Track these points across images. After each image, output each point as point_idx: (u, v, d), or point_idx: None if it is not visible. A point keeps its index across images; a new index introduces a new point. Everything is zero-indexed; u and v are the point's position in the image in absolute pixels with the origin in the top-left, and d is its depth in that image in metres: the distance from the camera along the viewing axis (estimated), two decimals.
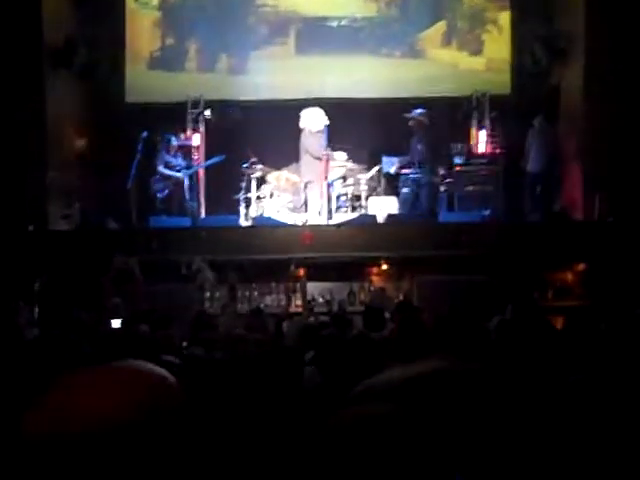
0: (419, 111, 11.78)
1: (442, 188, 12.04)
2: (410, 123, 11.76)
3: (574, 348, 4.77)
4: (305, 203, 11.39)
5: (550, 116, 12.64)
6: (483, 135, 13.24)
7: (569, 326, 5.75)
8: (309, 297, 9.83)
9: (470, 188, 12.27)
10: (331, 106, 11.80)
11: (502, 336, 4.92)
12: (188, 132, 13.22)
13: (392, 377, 1.00)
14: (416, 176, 11.55)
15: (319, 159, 11.05)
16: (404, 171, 11.85)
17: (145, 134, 11.56)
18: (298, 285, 10.23)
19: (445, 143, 11.79)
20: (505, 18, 13.77)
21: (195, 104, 13.34)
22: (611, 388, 3.55)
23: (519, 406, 0.91)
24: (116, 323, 7.10)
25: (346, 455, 0.93)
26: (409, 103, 12.67)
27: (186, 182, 12.13)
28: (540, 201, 12.10)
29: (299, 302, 10.09)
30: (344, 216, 11.29)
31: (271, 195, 11.86)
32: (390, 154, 12.27)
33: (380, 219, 10.96)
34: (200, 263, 9.57)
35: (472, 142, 13.32)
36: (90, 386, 1.11)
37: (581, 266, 10.35)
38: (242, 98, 13.53)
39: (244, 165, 11.90)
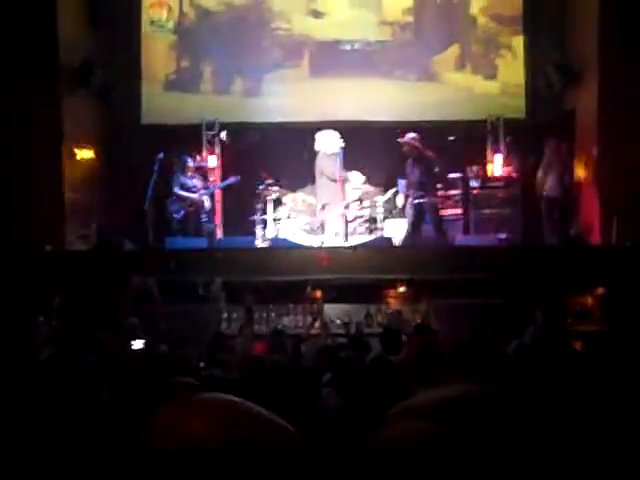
0: (411, 135, 11.72)
1: (448, 211, 12.04)
2: (404, 148, 11.70)
3: (593, 372, 4.74)
4: (321, 225, 11.39)
5: (564, 140, 12.64)
6: (499, 159, 13.26)
7: (588, 350, 5.72)
8: (326, 319, 9.79)
9: (486, 212, 12.27)
10: (346, 129, 11.83)
11: (521, 360, 4.90)
12: (204, 154, 13.28)
13: (428, 399, 0.99)
14: (417, 201, 11.49)
15: (335, 181, 11.06)
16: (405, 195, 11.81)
17: (161, 155, 11.61)
18: (315, 307, 10.20)
19: (438, 164, 11.71)
20: (519, 42, 13.83)
21: (210, 126, 13.41)
22: (630, 412, 3.52)
23: (541, 429, 0.91)
24: (137, 344, 7.09)
25: (394, 471, 0.92)
26: (423, 126, 12.71)
27: (203, 203, 12.18)
28: (556, 225, 12.07)
29: (316, 324, 10.05)
30: (360, 238, 11.28)
31: (287, 217, 11.88)
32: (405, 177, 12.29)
33: (396, 241, 10.94)
34: (217, 292, 9.57)
35: (488, 166, 13.34)
36: (196, 413, 1.11)
37: (599, 290, 10.30)
38: (256, 120, 13.60)
39: (260, 187, 11.94)
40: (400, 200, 11.76)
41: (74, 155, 12.01)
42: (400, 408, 1.02)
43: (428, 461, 0.90)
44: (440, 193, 11.96)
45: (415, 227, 11.49)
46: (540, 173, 12.18)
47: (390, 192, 12.01)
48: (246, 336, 8.04)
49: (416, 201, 11.46)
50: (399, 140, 11.63)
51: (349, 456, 1.00)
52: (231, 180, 12.21)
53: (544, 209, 12.13)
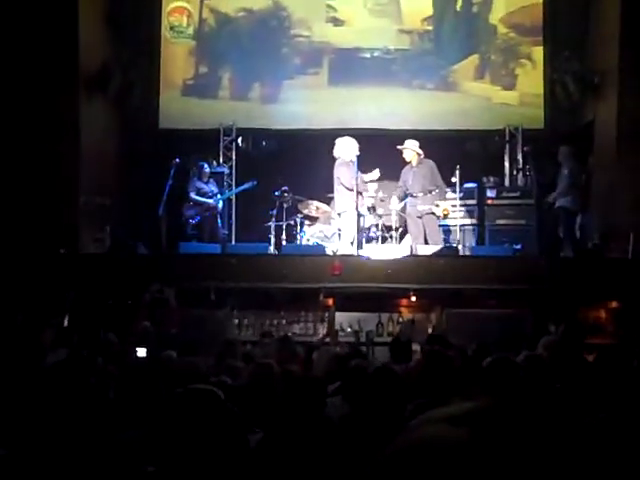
0: (411, 141, 11.66)
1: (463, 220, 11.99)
2: (404, 154, 11.63)
3: (606, 384, 4.70)
4: (337, 233, 11.38)
5: (581, 151, 12.57)
6: (516, 169, 13.22)
7: (600, 362, 5.66)
8: (337, 327, 9.78)
9: (502, 222, 12.22)
10: (363, 136, 11.80)
11: (530, 371, 4.86)
12: (220, 159, 13.31)
13: (450, 411, 0.96)
14: (421, 207, 11.43)
15: (351, 189, 11.04)
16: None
17: (177, 160, 11.64)
18: (327, 315, 10.19)
19: (439, 171, 11.64)
20: (539, 53, 13.77)
21: (227, 132, 13.45)
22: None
23: (552, 442, 0.90)
24: (141, 352, 7.08)
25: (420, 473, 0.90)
26: (441, 135, 12.68)
27: (218, 209, 12.20)
28: (569, 236, 12.01)
29: (327, 332, 10.06)
30: (375, 247, 11.24)
31: (301, 224, 11.87)
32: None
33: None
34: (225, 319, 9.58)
35: (505, 176, 13.30)
36: None
37: (614, 304, 10.22)
38: (274, 127, 13.61)
39: (275, 193, 11.94)
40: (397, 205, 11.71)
41: (90, 158, 12.06)
42: (422, 417, 1.00)
43: (456, 465, 0.88)
44: (455, 202, 11.87)
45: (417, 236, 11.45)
46: (558, 184, 12.13)
47: (405, 200, 11.98)
48: (263, 344, 8.02)
49: (418, 208, 11.41)
50: (398, 147, 11.60)
51: (373, 458, 0.99)
52: (247, 185, 12.22)
53: (559, 220, 12.07)
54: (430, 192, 11.45)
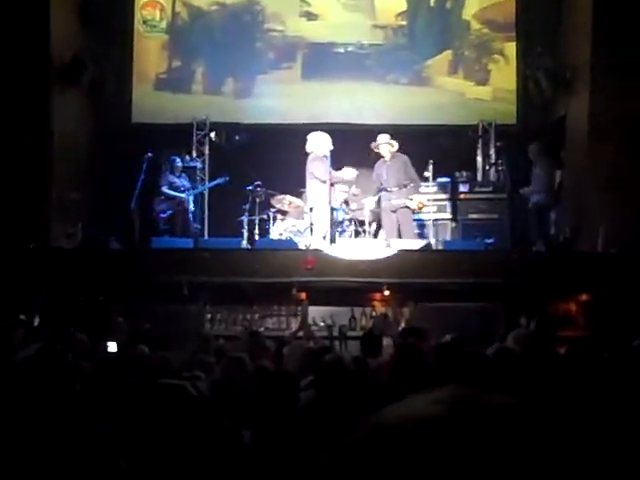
0: (385, 136, 11.64)
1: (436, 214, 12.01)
2: (378, 150, 11.58)
3: (577, 376, 4.74)
4: (310, 227, 11.36)
5: (551, 146, 12.66)
6: (488, 164, 13.30)
7: (571, 355, 5.71)
8: (310, 321, 9.77)
9: (474, 216, 12.27)
10: (336, 131, 11.79)
11: (501, 363, 4.89)
12: (193, 154, 13.25)
13: (403, 415, 0.92)
14: (396, 202, 11.41)
15: (324, 183, 11.03)
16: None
17: (150, 154, 11.57)
18: (299, 309, 10.18)
19: (413, 166, 11.63)
20: (511, 49, 13.85)
21: (201, 126, 13.39)
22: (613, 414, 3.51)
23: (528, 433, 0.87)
24: (112, 346, 7.04)
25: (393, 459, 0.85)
26: (414, 130, 12.70)
27: (190, 203, 12.16)
28: (541, 231, 12.09)
29: (300, 326, 10.04)
30: (347, 241, 11.24)
31: (274, 218, 11.85)
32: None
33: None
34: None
35: (477, 171, 13.36)
36: None
37: (585, 297, 10.30)
38: (247, 121, 13.58)
39: (248, 188, 11.91)
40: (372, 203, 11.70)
41: (62, 152, 11.95)
42: (368, 426, 0.93)
43: (432, 441, 0.84)
44: (428, 197, 11.90)
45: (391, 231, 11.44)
46: (532, 182, 12.22)
47: (379, 195, 11.98)
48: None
49: (392, 202, 11.39)
50: (372, 146, 11.57)
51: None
52: (219, 181, 12.18)
53: (529, 215, 12.15)
54: (405, 186, 11.44)
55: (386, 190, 11.43)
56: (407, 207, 11.36)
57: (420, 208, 11.55)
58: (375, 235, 11.78)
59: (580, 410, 3.67)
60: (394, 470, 0.83)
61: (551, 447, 0.84)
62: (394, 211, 11.38)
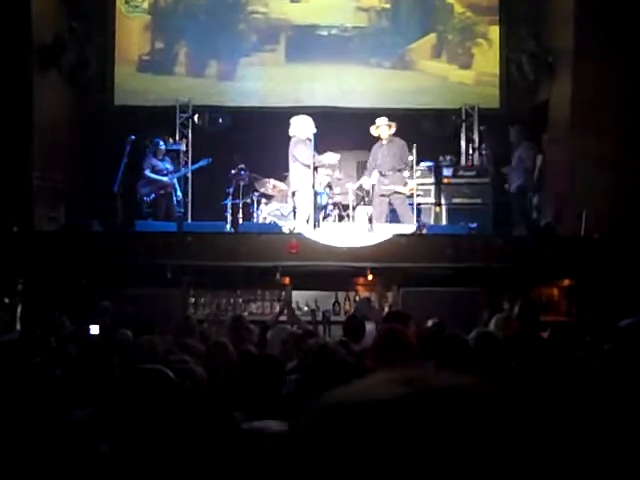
0: (383, 119, 11.59)
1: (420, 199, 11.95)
2: (377, 131, 11.53)
3: (560, 360, 4.78)
4: (293, 211, 11.34)
5: (534, 130, 12.70)
6: (472, 148, 13.31)
7: (554, 339, 5.76)
8: (294, 305, 9.78)
9: (458, 201, 12.30)
10: (319, 114, 11.76)
11: (482, 347, 4.93)
12: (176, 136, 13.19)
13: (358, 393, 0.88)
14: (386, 187, 11.38)
15: (307, 167, 11.00)
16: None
17: (133, 137, 11.50)
18: (283, 293, 10.19)
19: (409, 150, 11.57)
20: (495, 32, 13.84)
21: (183, 109, 13.32)
22: (592, 400, 3.55)
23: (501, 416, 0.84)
24: (94, 329, 7.02)
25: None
26: (398, 114, 12.68)
27: (173, 186, 12.11)
28: (523, 215, 12.15)
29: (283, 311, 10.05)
30: (331, 225, 11.23)
31: (258, 202, 11.83)
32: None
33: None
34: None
35: (461, 155, 13.37)
36: None
37: (567, 281, 10.37)
38: (231, 104, 13.52)
39: (232, 171, 11.87)
40: (367, 184, 11.66)
41: (44, 135, 11.87)
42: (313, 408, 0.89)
43: (388, 422, 0.80)
44: (412, 181, 11.86)
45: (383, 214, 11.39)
46: (512, 165, 12.27)
47: (362, 179, 11.97)
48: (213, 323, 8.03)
49: (384, 187, 11.35)
50: (372, 130, 11.50)
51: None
52: (202, 162, 12.12)
53: (511, 199, 12.20)
54: (399, 171, 11.38)
55: (381, 174, 11.36)
56: (398, 192, 11.28)
57: (412, 193, 11.48)
58: (354, 219, 11.71)
59: (561, 394, 3.71)
60: (338, 454, 0.79)
61: (502, 432, 0.82)
62: (386, 195, 11.33)
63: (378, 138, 11.49)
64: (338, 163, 11.71)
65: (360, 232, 10.54)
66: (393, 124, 11.42)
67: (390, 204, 11.33)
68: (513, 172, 12.22)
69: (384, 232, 10.45)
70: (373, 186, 11.54)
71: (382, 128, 11.43)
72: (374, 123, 11.48)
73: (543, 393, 3.72)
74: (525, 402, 0.87)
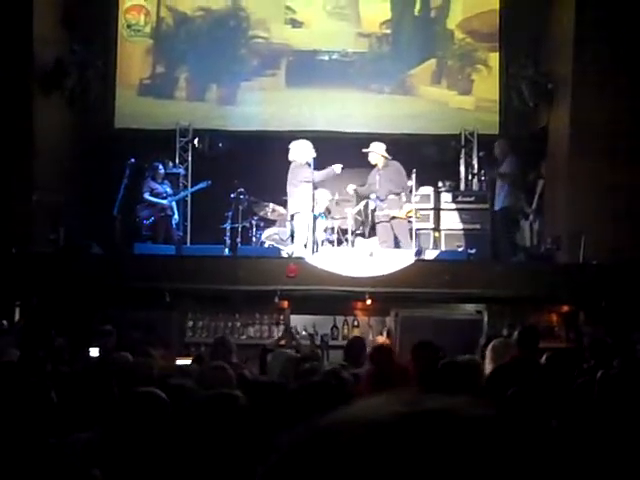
0: (379, 145, 11.59)
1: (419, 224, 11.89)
2: (370, 157, 11.53)
3: (557, 387, 4.76)
4: (291, 235, 11.34)
5: (533, 157, 12.74)
6: (471, 174, 13.34)
7: (551, 365, 5.74)
8: (292, 330, 9.77)
9: (457, 226, 12.29)
10: (320, 139, 11.80)
11: (470, 374, 4.90)
12: (176, 160, 13.22)
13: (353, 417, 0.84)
14: (383, 212, 11.38)
15: (306, 192, 11.02)
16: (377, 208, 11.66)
17: (132, 160, 11.53)
18: (282, 317, 10.18)
19: (406, 175, 11.55)
20: (495, 59, 13.91)
21: (184, 132, 13.36)
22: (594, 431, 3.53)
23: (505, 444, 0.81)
24: (94, 352, 7.02)
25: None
26: (398, 139, 12.72)
27: (173, 210, 12.12)
28: (510, 239, 12.11)
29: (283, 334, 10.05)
30: (329, 250, 11.22)
31: (257, 226, 11.83)
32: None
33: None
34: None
35: (460, 180, 13.40)
36: None
37: (565, 308, 10.36)
38: (231, 128, 13.56)
39: (231, 195, 11.88)
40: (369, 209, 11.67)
41: (44, 157, 11.89)
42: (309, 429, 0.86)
43: (385, 446, 0.76)
44: (411, 206, 11.84)
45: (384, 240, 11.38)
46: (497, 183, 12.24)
47: (361, 204, 11.99)
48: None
49: (383, 212, 11.37)
50: (364, 150, 11.55)
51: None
52: (201, 185, 12.14)
53: (498, 223, 12.16)
54: (397, 195, 11.39)
55: (379, 199, 11.38)
56: (394, 217, 11.28)
57: (409, 218, 11.40)
58: (353, 244, 11.71)
59: (565, 426, 3.69)
60: (336, 474, 0.76)
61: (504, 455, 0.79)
62: (385, 221, 11.34)
63: (373, 164, 11.57)
64: (332, 198, 11.71)
65: (361, 259, 10.51)
66: (385, 154, 11.43)
67: (392, 229, 11.34)
68: (498, 192, 12.16)
69: (384, 262, 10.36)
70: (373, 212, 11.56)
71: (371, 155, 11.49)
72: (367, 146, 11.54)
73: (543, 422, 3.69)
74: (528, 428, 0.84)
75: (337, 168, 11.38)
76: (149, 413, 3.50)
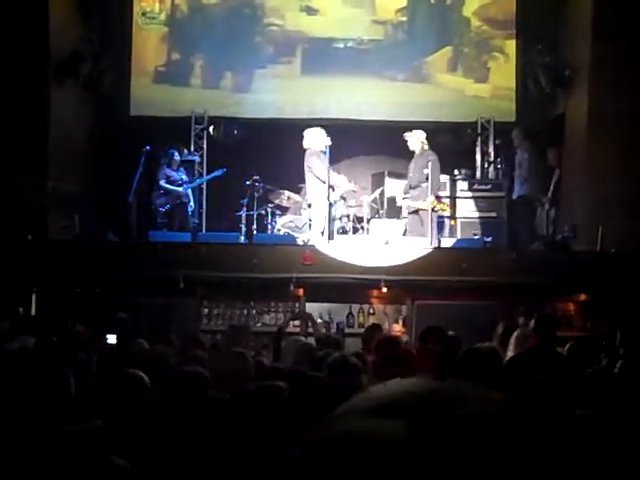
0: (419, 132, 11.42)
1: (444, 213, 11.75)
2: (410, 143, 11.43)
3: (579, 376, 4.71)
4: (307, 223, 11.31)
5: (548, 143, 12.67)
6: (487, 161, 13.27)
7: (573, 355, 5.69)
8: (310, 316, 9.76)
9: (473, 214, 12.24)
10: (334, 127, 11.75)
11: (491, 362, 4.86)
12: (191, 147, 13.22)
13: (379, 396, 0.79)
14: (407, 202, 11.29)
15: (321, 179, 10.97)
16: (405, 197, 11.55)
17: (148, 148, 11.52)
18: (297, 305, 10.16)
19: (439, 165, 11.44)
20: (511, 46, 13.82)
21: (199, 120, 13.36)
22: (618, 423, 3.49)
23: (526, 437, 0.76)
24: (112, 339, 7.02)
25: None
26: (413, 127, 12.65)
27: (189, 198, 12.13)
28: (530, 227, 12.06)
29: (297, 322, 10.03)
30: (345, 237, 11.18)
31: (272, 213, 11.81)
32: (392, 177, 12.23)
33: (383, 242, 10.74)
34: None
35: (476, 168, 13.33)
36: None
37: (582, 296, 10.29)
38: (246, 116, 13.54)
39: (247, 182, 11.86)
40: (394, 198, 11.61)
41: (60, 145, 11.91)
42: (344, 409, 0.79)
43: (388, 467, 0.71)
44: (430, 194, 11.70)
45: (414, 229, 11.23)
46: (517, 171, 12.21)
47: (377, 191, 11.94)
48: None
49: (407, 203, 11.28)
50: (405, 135, 11.37)
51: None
52: (217, 173, 12.15)
53: (519, 211, 12.11)
54: (418, 186, 11.18)
55: (411, 187, 11.28)
56: (418, 209, 11.10)
57: (434, 209, 11.15)
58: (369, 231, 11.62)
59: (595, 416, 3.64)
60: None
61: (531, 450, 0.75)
62: (412, 212, 11.21)
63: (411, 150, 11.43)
64: (350, 183, 11.64)
65: (376, 247, 10.45)
66: (424, 140, 11.27)
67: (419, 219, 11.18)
68: (515, 179, 12.15)
69: (400, 250, 10.27)
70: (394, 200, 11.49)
71: (410, 140, 11.31)
72: (393, 135, 11.44)
73: (569, 411, 3.65)
74: (553, 419, 0.80)
75: (352, 186, 11.34)
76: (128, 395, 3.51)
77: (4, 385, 3.76)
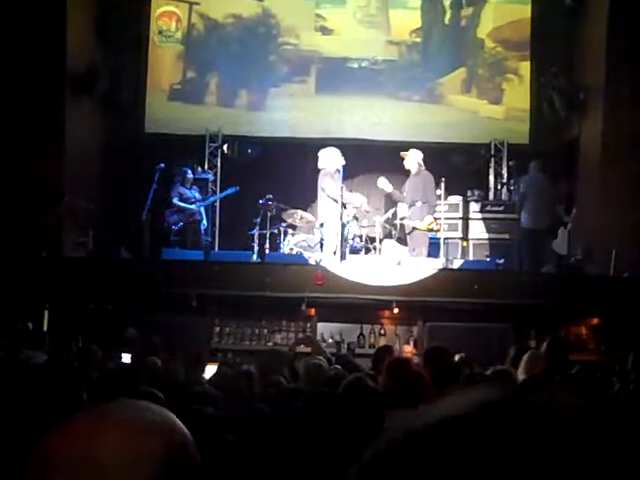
0: (416, 151, 11.40)
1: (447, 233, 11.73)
2: (405, 162, 11.38)
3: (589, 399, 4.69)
4: (320, 243, 11.31)
5: (562, 167, 12.65)
6: (500, 183, 13.27)
7: (582, 378, 5.67)
8: (319, 337, 9.76)
9: (485, 236, 12.22)
10: (348, 147, 11.78)
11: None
12: (205, 165, 13.27)
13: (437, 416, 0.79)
14: (405, 222, 11.30)
15: (335, 200, 10.98)
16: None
17: (162, 165, 11.57)
18: (308, 325, 10.16)
19: (436, 185, 11.44)
20: (526, 68, 13.84)
21: (213, 138, 13.42)
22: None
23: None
24: (126, 358, 7.04)
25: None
26: (427, 148, 12.66)
27: (202, 216, 12.15)
28: (534, 259, 11.89)
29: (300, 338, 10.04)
30: (357, 258, 11.18)
31: (285, 233, 11.82)
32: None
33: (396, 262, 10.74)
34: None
35: (489, 190, 13.32)
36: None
37: (595, 320, 10.25)
38: (260, 134, 13.59)
39: (260, 201, 11.87)
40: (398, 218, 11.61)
41: (75, 161, 11.97)
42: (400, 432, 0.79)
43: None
44: (439, 215, 11.69)
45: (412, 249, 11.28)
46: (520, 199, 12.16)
47: (390, 212, 11.93)
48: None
49: (406, 221, 11.28)
50: (402, 153, 11.43)
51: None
52: (230, 191, 12.16)
53: (524, 239, 12.01)
54: (424, 203, 11.20)
55: (409, 206, 11.29)
56: (414, 228, 11.15)
57: (429, 229, 11.24)
58: (381, 252, 11.62)
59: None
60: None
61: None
62: (409, 232, 11.25)
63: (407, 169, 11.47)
64: (363, 204, 11.64)
65: (388, 268, 10.44)
66: (420, 161, 11.32)
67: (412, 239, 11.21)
68: (529, 211, 11.99)
69: (412, 271, 10.27)
70: (401, 219, 11.49)
71: (406, 160, 11.38)
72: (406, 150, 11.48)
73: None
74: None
75: (365, 202, 11.41)
76: None
77: (15, 398, 3.77)
